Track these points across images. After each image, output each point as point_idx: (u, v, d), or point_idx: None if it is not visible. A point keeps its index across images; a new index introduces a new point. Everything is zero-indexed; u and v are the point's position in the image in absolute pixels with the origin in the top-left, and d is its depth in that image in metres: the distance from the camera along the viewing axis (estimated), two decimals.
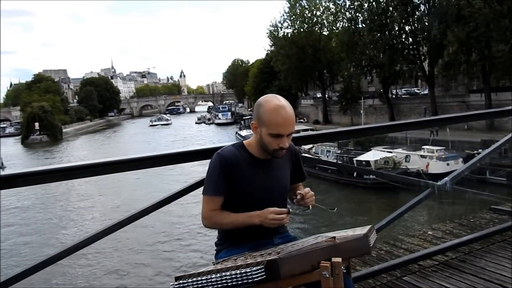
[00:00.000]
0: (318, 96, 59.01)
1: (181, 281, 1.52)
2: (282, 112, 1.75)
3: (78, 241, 2.05)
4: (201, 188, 1.91)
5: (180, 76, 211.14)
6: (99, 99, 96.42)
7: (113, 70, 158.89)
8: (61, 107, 77.06)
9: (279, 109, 1.75)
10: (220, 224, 1.84)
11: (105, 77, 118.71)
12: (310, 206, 1.82)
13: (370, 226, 1.74)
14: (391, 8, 39.54)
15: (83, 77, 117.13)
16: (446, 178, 3.00)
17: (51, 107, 67.06)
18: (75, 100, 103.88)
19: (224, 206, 1.84)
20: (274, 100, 1.78)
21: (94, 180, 27.09)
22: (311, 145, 31.21)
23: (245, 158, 1.85)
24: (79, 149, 55.33)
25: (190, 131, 68.86)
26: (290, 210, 1.77)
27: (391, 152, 27.67)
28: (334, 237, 1.57)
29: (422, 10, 39.54)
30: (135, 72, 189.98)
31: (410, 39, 40.97)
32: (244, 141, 1.92)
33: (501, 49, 31.48)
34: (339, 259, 1.45)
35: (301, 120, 56.79)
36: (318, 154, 31.08)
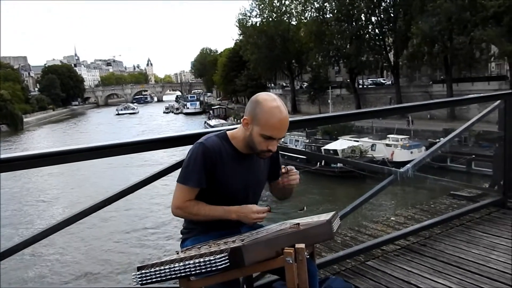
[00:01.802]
0: (286, 85, 59.35)
1: (143, 271, 1.49)
2: (281, 116, 1.70)
3: (38, 231, 1.99)
4: (172, 174, 1.86)
5: (147, 65, 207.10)
6: (62, 88, 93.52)
7: (76, 58, 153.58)
8: (22, 96, 74.17)
9: (278, 112, 1.69)
10: (194, 215, 1.79)
11: (68, 65, 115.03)
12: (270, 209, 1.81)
13: (333, 212, 1.76)
14: None
15: (45, 64, 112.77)
16: (408, 165, 3.08)
17: (10, 95, 64.28)
18: (36, 89, 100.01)
19: (199, 197, 1.80)
20: (273, 101, 1.71)
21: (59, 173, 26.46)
22: None
23: (228, 151, 1.79)
24: (42, 139, 53.57)
25: (158, 121, 67.94)
26: (271, 208, 1.76)
27: (357, 141, 28.25)
28: (298, 224, 1.58)
29: (388, 1, 40.25)
30: (100, 60, 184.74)
31: (376, 30, 41.73)
32: (228, 132, 1.85)
33: (462, 41, 32.55)
34: (302, 245, 1.47)
35: None
36: (286, 143, 31.34)
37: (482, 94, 3.92)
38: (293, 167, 1.81)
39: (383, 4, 40.10)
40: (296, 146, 30.17)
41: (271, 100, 1.72)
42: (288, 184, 1.81)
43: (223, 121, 48.48)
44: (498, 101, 3.58)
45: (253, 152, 1.79)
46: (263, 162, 1.89)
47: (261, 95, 1.76)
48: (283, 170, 1.79)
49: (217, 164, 1.76)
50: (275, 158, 1.95)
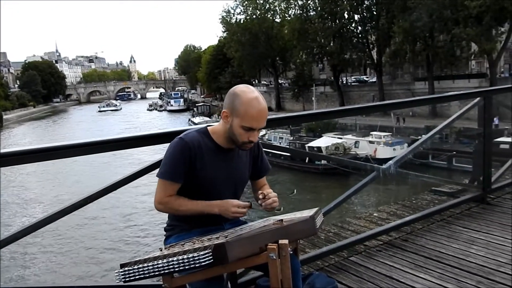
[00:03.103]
0: (271, 83, 59.41)
1: (126, 269, 1.48)
2: (258, 106, 1.71)
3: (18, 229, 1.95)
4: (153, 172, 1.85)
5: (130, 62, 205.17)
6: (43, 84, 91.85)
7: (57, 54, 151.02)
8: (1, 92, 72.72)
9: (256, 103, 1.71)
10: (176, 210, 1.79)
11: (49, 61, 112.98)
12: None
13: (317, 208, 1.77)
14: None
15: (25, 60, 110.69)
16: (390, 162, 3.12)
17: None
18: (16, 85, 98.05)
19: (181, 192, 1.79)
20: (251, 93, 1.73)
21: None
22: (264, 132, 31.49)
23: (208, 146, 1.79)
24: (22, 136, 52.55)
25: (142, 118, 67.25)
26: (252, 204, 1.76)
27: (341, 138, 28.44)
28: (282, 220, 1.59)
29: None
30: (82, 57, 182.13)
31: (359, 28, 42.04)
32: (208, 128, 1.85)
33: (443, 39, 33.08)
34: (285, 241, 1.47)
35: None
36: (271, 140, 31.40)
37: (462, 92, 3.98)
38: (270, 191, 1.80)
39: (366, 2, 40.49)
40: (280, 144, 30.23)
41: (249, 91, 1.74)
42: (269, 209, 1.79)
43: (207, 119, 48.20)
44: (478, 98, 3.65)
45: (235, 145, 1.79)
46: (245, 159, 1.89)
47: (239, 87, 1.77)
48: (260, 196, 1.76)
49: (196, 158, 1.75)
50: (258, 155, 1.95)
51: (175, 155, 1.75)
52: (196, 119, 47.95)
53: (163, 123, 60.00)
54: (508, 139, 20.08)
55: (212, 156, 1.79)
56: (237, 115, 1.73)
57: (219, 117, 1.85)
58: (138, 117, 70.05)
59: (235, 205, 1.73)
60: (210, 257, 1.38)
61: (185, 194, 1.79)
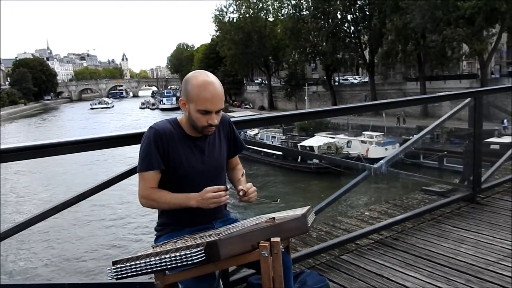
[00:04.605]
0: (263, 82, 59.43)
1: (118, 266, 1.48)
2: (210, 88, 1.72)
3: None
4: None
5: (122, 59, 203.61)
6: (34, 82, 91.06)
7: (49, 51, 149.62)
8: None
9: (207, 85, 1.72)
10: (157, 202, 1.77)
11: (40, 58, 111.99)
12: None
13: (308, 206, 1.79)
14: None
15: (16, 57, 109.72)
16: (381, 161, 3.14)
17: None
18: (7, 83, 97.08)
19: (160, 186, 1.78)
20: (202, 76, 1.74)
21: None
22: (256, 131, 31.52)
23: (179, 134, 1.80)
24: (13, 134, 52.02)
25: (134, 116, 66.85)
26: (228, 187, 1.73)
27: (333, 137, 28.55)
28: (274, 218, 1.60)
29: None
30: (74, 54, 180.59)
31: (352, 28, 42.19)
32: (177, 117, 1.86)
33: (435, 39, 33.31)
34: (277, 239, 1.49)
35: (247, 106, 57.05)
36: (263, 140, 31.46)
37: (452, 92, 4.02)
38: (249, 186, 1.78)
39: (358, 2, 40.63)
40: (272, 143, 30.28)
41: (199, 75, 1.75)
42: (247, 201, 1.79)
43: None
44: (468, 99, 3.68)
45: (198, 131, 1.79)
46: (218, 142, 1.89)
47: (190, 74, 1.79)
48: (240, 193, 1.76)
49: (169, 145, 1.76)
50: (230, 132, 1.95)
51: (149, 144, 1.75)
52: None
53: (156, 121, 59.69)
54: (499, 140, 20.30)
55: (184, 145, 1.79)
56: (191, 100, 1.74)
57: None
58: (130, 115, 69.63)
59: (210, 191, 1.67)
60: (202, 255, 1.39)
61: (164, 188, 1.78)
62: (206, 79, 1.73)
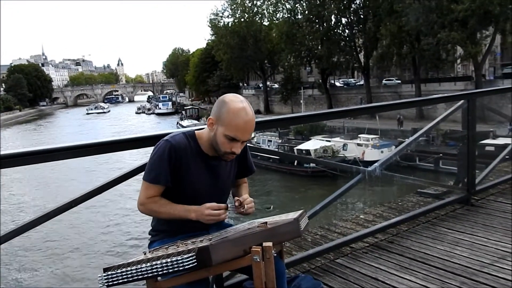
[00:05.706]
0: (259, 86, 59.50)
1: (109, 273, 1.48)
2: (246, 118, 1.68)
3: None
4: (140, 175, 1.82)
5: (118, 65, 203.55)
6: (29, 88, 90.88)
7: (44, 57, 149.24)
8: None
9: (243, 114, 1.68)
10: (156, 212, 1.77)
11: (35, 64, 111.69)
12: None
13: (301, 210, 1.78)
14: (328, 0, 40.56)
15: (11, 63, 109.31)
16: (376, 164, 3.14)
17: None
18: (2, 89, 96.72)
19: (163, 195, 1.77)
20: (241, 103, 1.70)
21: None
22: (252, 135, 31.47)
23: (194, 150, 1.76)
24: (8, 140, 51.77)
25: (130, 121, 66.77)
26: (229, 205, 1.73)
27: (329, 141, 28.58)
28: (266, 222, 1.59)
29: (358, 3, 40.94)
30: (69, 60, 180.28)
31: (347, 31, 42.35)
32: (196, 131, 1.82)
33: (429, 42, 33.48)
34: (269, 244, 1.48)
35: None
36: (260, 143, 31.44)
37: (446, 94, 4.04)
38: (246, 197, 1.79)
39: (353, 5, 40.79)
40: (269, 147, 30.30)
41: (237, 101, 1.71)
42: (245, 214, 1.79)
43: (195, 122, 48.05)
44: (462, 101, 3.69)
45: (217, 154, 1.77)
46: (230, 167, 1.87)
47: (228, 96, 1.74)
48: (236, 204, 1.76)
49: (182, 161, 1.73)
50: (243, 155, 1.93)
51: (161, 157, 1.72)
52: (185, 122, 47.83)
53: (152, 125, 59.76)
54: (493, 141, 20.38)
55: (196, 162, 1.77)
56: (222, 123, 1.70)
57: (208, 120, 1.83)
58: (126, 120, 69.54)
59: (208, 207, 1.68)
60: (194, 260, 1.38)
61: (166, 197, 1.77)
62: (243, 107, 1.69)
